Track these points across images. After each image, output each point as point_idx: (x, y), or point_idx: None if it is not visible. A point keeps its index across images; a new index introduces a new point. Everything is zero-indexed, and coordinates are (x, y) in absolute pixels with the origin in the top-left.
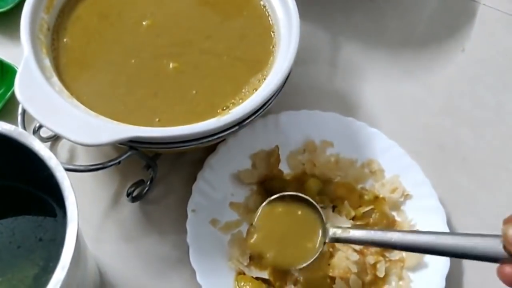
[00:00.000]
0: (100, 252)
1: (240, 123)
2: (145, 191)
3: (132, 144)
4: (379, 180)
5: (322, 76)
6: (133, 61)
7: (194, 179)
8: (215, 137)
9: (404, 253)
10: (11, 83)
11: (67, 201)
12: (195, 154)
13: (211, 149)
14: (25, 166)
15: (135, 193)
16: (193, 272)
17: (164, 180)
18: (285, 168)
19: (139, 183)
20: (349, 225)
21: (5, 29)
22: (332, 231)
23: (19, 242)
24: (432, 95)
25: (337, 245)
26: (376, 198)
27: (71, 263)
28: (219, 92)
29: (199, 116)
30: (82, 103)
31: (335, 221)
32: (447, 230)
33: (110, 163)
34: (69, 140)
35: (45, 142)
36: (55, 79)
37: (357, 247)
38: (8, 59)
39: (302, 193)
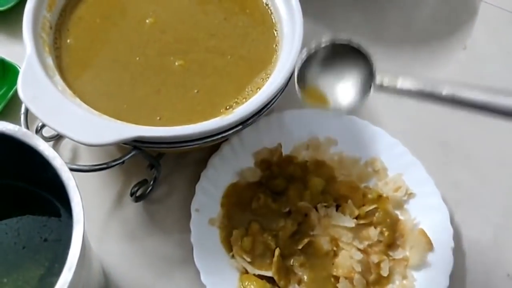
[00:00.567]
0: (104, 252)
1: (244, 123)
2: (148, 190)
3: (136, 144)
4: (383, 178)
5: None
6: (137, 58)
7: (197, 178)
8: (219, 136)
9: (408, 252)
10: (12, 82)
11: (73, 203)
12: (199, 153)
13: (214, 148)
14: (29, 166)
15: (138, 193)
16: (197, 272)
17: (167, 180)
18: None
19: (142, 183)
20: (353, 225)
21: (6, 28)
22: (379, 79)
23: (24, 242)
24: None
25: (341, 244)
26: (380, 197)
27: (77, 265)
28: (222, 91)
29: (202, 115)
30: (85, 102)
31: (339, 221)
32: (451, 229)
33: (114, 163)
34: (72, 140)
35: (48, 141)
36: (58, 78)
37: (361, 246)
38: (9, 57)
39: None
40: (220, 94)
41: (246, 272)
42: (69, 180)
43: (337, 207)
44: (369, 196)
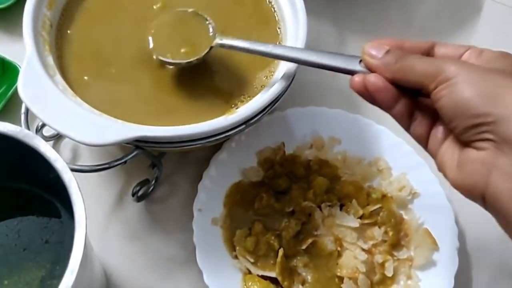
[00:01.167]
0: (105, 252)
1: (247, 122)
2: (150, 190)
3: (138, 144)
4: (387, 178)
5: (328, 72)
6: (140, 56)
7: (200, 177)
8: (222, 136)
9: (412, 252)
10: (12, 81)
11: (75, 206)
12: (201, 152)
13: (217, 147)
14: (30, 168)
15: (140, 193)
16: (200, 272)
17: (169, 179)
18: None
19: (144, 182)
20: (357, 224)
21: (6, 26)
22: (219, 37)
23: (25, 244)
24: None
25: (345, 244)
26: (384, 196)
27: (79, 268)
28: (226, 89)
29: (206, 113)
30: (86, 101)
31: (343, 220)
32: (456, 228)
33: (116, 163)
34: (73, 140)
35: (48, 140)
36: (58, 77)
37: (365, 246)
38: (9, 56)
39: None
40: (223, 92)
41: (249, 272)
42: (71, 182)
43: (341, 207)
44: (373, 195)
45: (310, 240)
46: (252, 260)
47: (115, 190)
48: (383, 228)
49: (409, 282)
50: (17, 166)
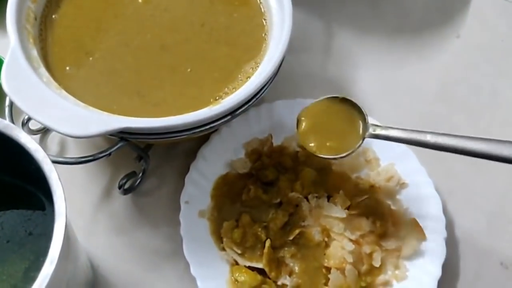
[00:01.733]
0: (92, 246)
1: (232, 113)
2: (137, 183)
3: (123, 135)
4: (375, 169)
5: (315, 64)
6: (125, 48)
7: (187, 170)
8: (207, 127)
9: (400, 242)
10: None
11: (55, 195)
12: (188, 144)
13: (204, 139)
14: (12, 160)
15: (127, 185)
16: (187, 264)
17: (156, 172)
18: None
19: (131, 175)
20: (344, 215)
21: None
22: (372, 128)
23: (8, 236)
24: (427, 82)
25: (333, 235)
26: (371, 187)
27: (60, 258)
28: (211, 80)
29: (192, 105)
30: (70, 94)
31: (330, 211)
32: (443, 218)
33: (100, 155)
34: (58, 132)
35: (35, 134)
36: (42, 69)
37: (353, 237)
38: None
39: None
40: (209, 83)
41: (237, 264)
42: (51, 172)
43: (329, 198)
44: (361, 186)
45: (297, 231)
46: (239, 252)
47: (102, 183)
48: (370, 219)
49: (396, 272)
50: None
